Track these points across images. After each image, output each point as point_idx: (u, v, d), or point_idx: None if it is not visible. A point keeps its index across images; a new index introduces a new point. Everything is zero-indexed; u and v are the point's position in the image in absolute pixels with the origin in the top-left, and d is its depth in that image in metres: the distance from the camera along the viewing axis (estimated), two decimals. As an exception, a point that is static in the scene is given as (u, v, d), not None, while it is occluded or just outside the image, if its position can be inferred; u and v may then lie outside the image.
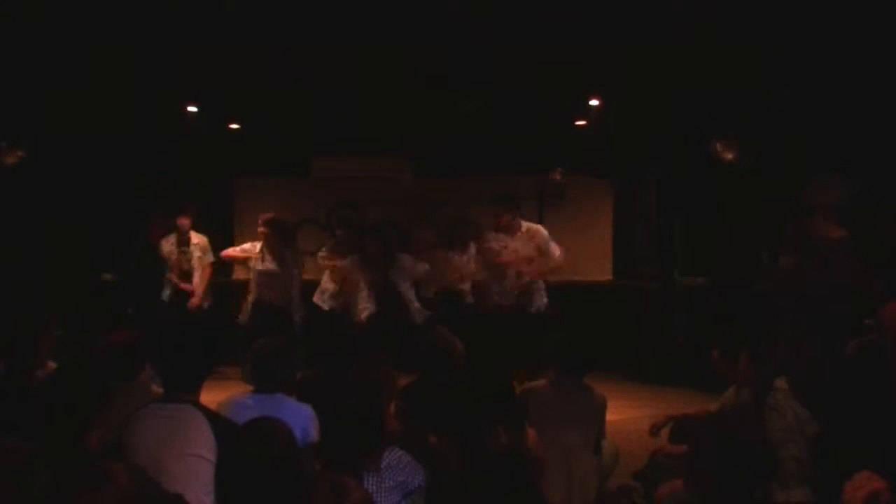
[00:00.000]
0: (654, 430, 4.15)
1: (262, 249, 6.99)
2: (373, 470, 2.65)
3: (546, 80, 6.54)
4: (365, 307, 6.63)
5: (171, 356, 2.91)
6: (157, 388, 3.38)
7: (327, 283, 7.31)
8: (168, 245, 7.59)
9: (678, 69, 6.07)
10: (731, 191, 7.46)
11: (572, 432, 3.83)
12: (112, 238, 7.88)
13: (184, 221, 7.52)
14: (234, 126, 8.32)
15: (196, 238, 7.58)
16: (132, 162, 8.06)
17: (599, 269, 9.00)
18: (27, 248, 7.37)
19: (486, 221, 8.61)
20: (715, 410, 4.02)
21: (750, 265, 6.76)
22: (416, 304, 6.59)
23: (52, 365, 3.63)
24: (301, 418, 3.31)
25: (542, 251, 6.59)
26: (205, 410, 2.82)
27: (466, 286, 7.44)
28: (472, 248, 7.44)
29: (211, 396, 3.17)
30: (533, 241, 6.56)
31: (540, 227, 6.79)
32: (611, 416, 4.15)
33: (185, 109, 7.45)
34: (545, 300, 6.66)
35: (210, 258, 7.63)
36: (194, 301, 7.48)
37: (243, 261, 7.35)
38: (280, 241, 6.92)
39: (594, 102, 7.39)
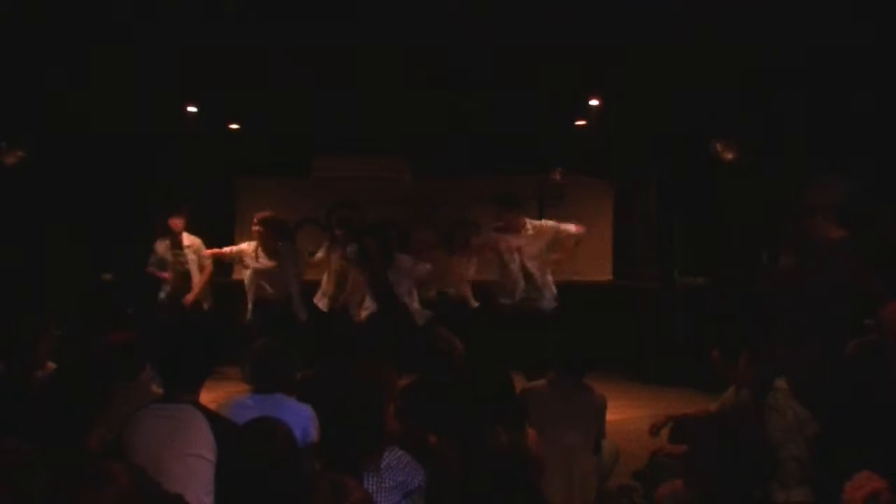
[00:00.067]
0: (655, 430, 4.16)
1: (256, 248, 7.00)
2: (373, 470, 2.65)
3: (546, 80, 6.54)
4: (364, 306, 6.62)
5: (170, 356, 2.90)
6: (157, 389, 3.38)
7: (327, 286, 7.32)
8: (162, 247, 7.56)
9: (678, 69, 6.07)
10: (731, 191, 7.46)
11: (572, 432, 3.83)
12: (112, 238, 7.88)
13: (176, 223, 7.44)
14: (234, 126, 8.33)
15: (188, 240, 7.52)
16: (132, 162, 8.06)
17: (599, 269, 9.01)
18: (27, 248, 7.37)
19: (486, 221, 8.63)
20: (715, 410, 4.02)
21: (750, 265, 6.76)
22: (417, 306, 6.56)
23: (51, 365, 3.63)
24: (301, 418, 3.31)
25: (557, 240, 6.47)
26: (205, 410, 2.81)
27: (468, 289, 7.45)
28: (472, 252, 7.46)
29: (211, 396, 3.17)
30: (542, 237, 6.45)
31: (545, 222, 6.65)
32: (611, 416, 4.15)
33: (185, 109, 7.45)
34: (555, 296, 6.54)
35: (205, 260, 7.59)
36: (189, 297, 7.47)
37: (230, 259, 7.36)
38: (274, 238, 6.92)
39: (594, 102, 7.39)
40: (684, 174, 7.88)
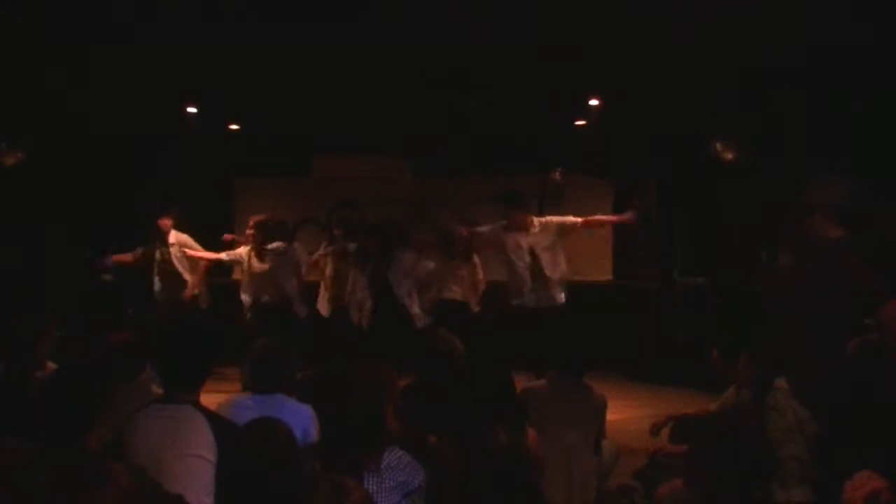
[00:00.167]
0: (655, 430, 4.16)
1: (250, 252, 6.99)
2: (373, 470, 2.65)
3: (546, 80, 6.53)
4: (364, 307, 6.62)
5: (170, 357, 2.90)
6: (157, 389, 3.38)
7: (326, 287, 7.33)
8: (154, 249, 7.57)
9: (678, 69, 6.07)
10: (731, 191, 7.46)
11: (572, 432, 3.83)
12: (112, 238, 7.87)
13: (165, 222, 7.47)
14: (234, 126, 8.33)
15: (174, 237, 7.52)
16: (132, 162, 8.06)
17: (599, 269, 9.01)
18: (27, 248, 7.37)
19: (486, 221, 8.62)
20: (715, 410, 4.02)
21: (750, 265, 6.76)
22: (417, 310, 6.54)
23: (51, 365, 3.63)
24: (301, 419, 3.30)
25: (563, 232, 6.47)
26: (205, 411, 2.81)
27: (469, 292, 7.41)
28: (476, 258, 7.44)
29: (211, 397, 3.17)
30: (548, 231, 6.44)
31: (550, 217, 6.65)
32: (611, 416, 4.15)
33: (185, 109, 7.45)
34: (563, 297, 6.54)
35: (197, 247, 7.59)
36: (186, 294, 7.47)
37: (230, 263, 7.35)
38: (264, 241, 6.92)
39: (594, 102, 7.39)
40: (684, 174, 7.88)
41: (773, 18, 4.98)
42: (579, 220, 6.49)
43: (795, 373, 3.45)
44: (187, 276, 7.54)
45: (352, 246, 6.86)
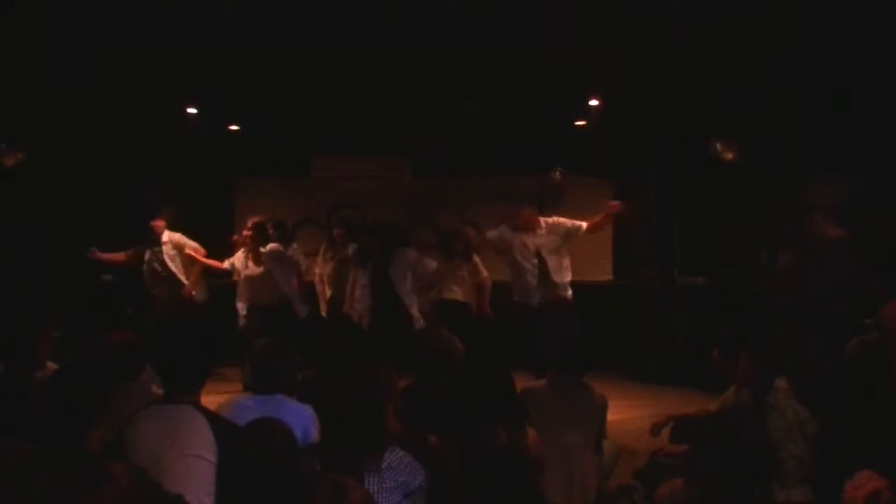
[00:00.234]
0: (655, 430, 4.16)
1: (247, 254, 6.95)
2: (373, 470, 2.64)
3: (546, 80, 6.54)
4: (365, 307, 6.60)
5: (170, 357, 2.90)
6: (157, 389, 3.38)
7: (325, 286, 7.32)
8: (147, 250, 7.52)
9: (678, 69, 6.07)
10: (731, 191, 7.46)
11: (572, 432, 3.83)
12: (112, 238, 7.86)
13: (158, 224, 7.43)
14: (234, 127, 8.33)
15: (166, 236, 7.48)
16: (132, 162, 8.06)
17: (599, 269, 9.00)
18: (27, 249, 7.37)
19: (485, 222, 8.63)
20: (715, 410, 4.02)
21: (750, 265, 6.76)
22: (416, 313, 6.51)
23: (51, 365, 3.63)
24: (302, 419, 3.30)
25: (569, 236, 6.53)
26: (205, 411, 2.81)
27: (469, 293, 7.41)
28: (476, 258, 7.44)
29: (211, 397, 3.17)
30: (555, 234, 6.50)
31: (557, 218, 6.67)
32: (611, 416, 4.15)
33: (185, 109, 7.45)
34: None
35: (193, 245, 7.53)
36: (186, 291, 7.45)
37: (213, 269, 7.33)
38: (260, 243, 6.88)
39: (594, 102, 7.39)
40: (684, 174, 7.88)
41: (773, 18, 4.98)
42: (584, 225, 6.54)
43: (795, 373, 3.45)
44: (181, 276, 7.48)
45: (352, 247, 6.84)
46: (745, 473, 2.92)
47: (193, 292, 7.53)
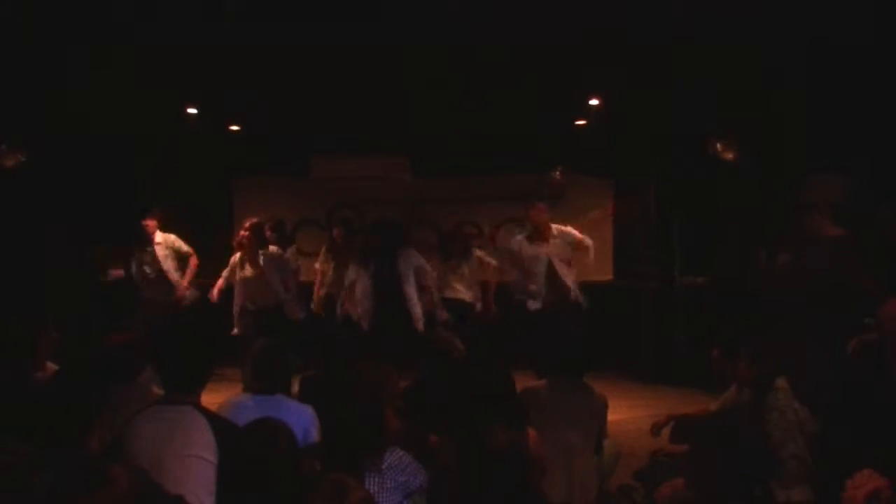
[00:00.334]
0: (656, 430, 4.15)
1: (242, 257, 6.92)
2: (374, 470, 2.65)
3: (546, 80, 6.53)
4: (365, 307, 6.58)
5: (169, 359, 2.90)
6: (157, 390, 3.38)
7: (323, 286, 7.31)
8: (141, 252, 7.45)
9: (678, 69, 6.07)
10: (731, 191, 7.46)
11: (572, 432, 3.83)
12: (112, 239, 7.86)
13: (149, 223, 7.34)
14: (234, 127, 8.33)
15: (160, 237, 7.40)
16: (132, 162, 8.05)
17: (599, 269, 8.99)
18: (27, 249, 7.36)
19: (485, 221, 8.65)
20: (715, 410, 4.02)
21: (750, 265, 6.76)
22: (418, 311, 6.49)
23: (51, 366, 3.62)
24: (302, 419, 3.31)
25: (578, 248, 6.68)
26: (205, 412, 2.81)
27: (469, 295, 7.41)
28: (477, 252, 7.45)
29: (211, 398, 3.17)
30: (565, 243, 6.65)
31: (567, 228, 6.79)
32: (611, 416, 4.15)
33: (185, 109, 7.44)
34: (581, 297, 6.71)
35: (186, 249, 7.45)
36: (178, 295, 7.40)
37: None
38: (256, 246, 6.83)
39: (594, 102, 7.39)
40: (684, 174, 7.88)
41: (773, 18, 4.97)
42: (591, 245, 6.76)
43: (795, 373, 3.45)
44: (173, 277, 7.39)
45: (357, 244, 6.83)
46: (745, 473, 2.92)
47: (187, 293, 7.46)
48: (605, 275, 9.07)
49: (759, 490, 3.18)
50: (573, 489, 3.78)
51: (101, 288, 7.83)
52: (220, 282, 7.06)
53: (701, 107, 6.81)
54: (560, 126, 8.03)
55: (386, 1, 5.03)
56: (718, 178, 7.45)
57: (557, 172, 8.60)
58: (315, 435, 3.32)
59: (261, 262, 6.78)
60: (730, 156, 7.04)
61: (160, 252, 7.37)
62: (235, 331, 6.82)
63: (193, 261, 7.49)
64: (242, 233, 6.84)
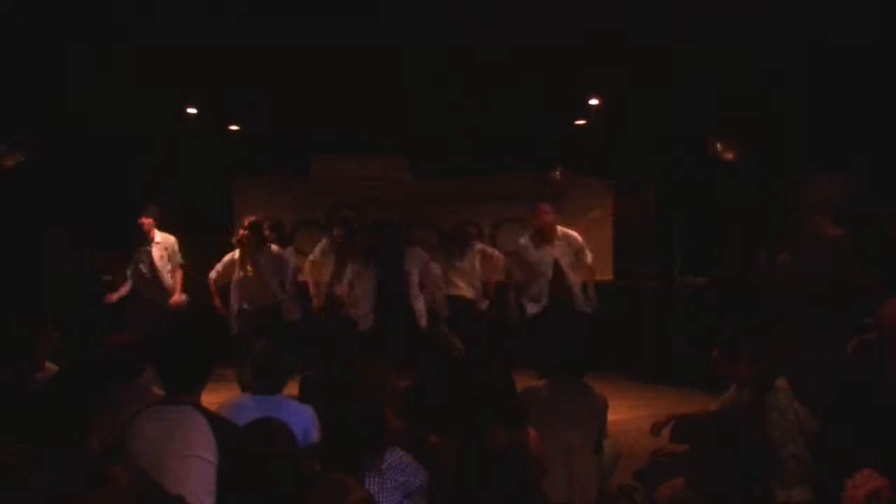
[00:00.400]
0: (656, 430, 4.15)
1: (240, 256, 6.87)
2: (374, 470, 2.65)
3: (546, 80, 6.53)
4: (366, 306, 6.58)
5: (169, 359, 2.90)
6: (157, 390, 3.38)
7: (322, 286, 7.31)
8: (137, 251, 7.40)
9: (678, 69, 6.07)
10: (731, 191, 7.46)
11: (572, 432, 3.83)
12: (112, 239, 7.85)
13: (145, 221, 7.28)
14: (234, 127, 8.32)
15: (160, 237, 7.35)
16: (132, 162, 8.05)
17: (599, 269, 8.97)
18: (27, 249, 7.35)
19: (485, 221, 8.65)
20: (715, 410, 4.02)
21: (750, 265, 6.76)
22: (421, 307, 6.49)
23: (51, 367, 3.62)
24: (302, 419, 3.31)
25: (580, 257, 6.72)
26: (205, 412, 2.81)
27: (470, 293, 7.41)
28: (477, 245, 7.46)
29: (211, 398, 3.17)
30: (570, 247, 6.68)
31: (575, 234, 6.81)
32: (611, 416, 4.15)
33: (185, 109, 7.44)
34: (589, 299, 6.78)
35: (179, 259, 7.39)
36: (174, 301, 7.32)
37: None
38: (255, 245, 6.82)
39: (594, 102, 7.39)
40: (684, 174, 7.88)
41: (773, 18, 4.98)
42: (590, 258, 6.81)
43: (795, 373, 3.45)
44: (166, 280, 7.32)
45: (357, 244, 6.83)
46: (745, 473, 2.92)
47: (182, 298, 7.41)
48: (605, 275, 9.07)
49: (759, 490, 3.18)
50: (573, 489, 3.78)
51: (100, 288, 7.82)
52: (213, 280, 7.06)
53: (701, 107, 6.80)
54: (560, 126, 8.04)
55: (386, 1, 5.02)
56: (718, 178, 7.45)
57: (557, 172, 8.60)
58: (315, 435, 3.32)
59: (260, 261, 6.77)
60: (730, 156, 7.04)
61: (156, 252, 7.31)
62: (234, 323, 6.83)
63: (178, 274, 7.38)
64: (241, 232, 6.83)
